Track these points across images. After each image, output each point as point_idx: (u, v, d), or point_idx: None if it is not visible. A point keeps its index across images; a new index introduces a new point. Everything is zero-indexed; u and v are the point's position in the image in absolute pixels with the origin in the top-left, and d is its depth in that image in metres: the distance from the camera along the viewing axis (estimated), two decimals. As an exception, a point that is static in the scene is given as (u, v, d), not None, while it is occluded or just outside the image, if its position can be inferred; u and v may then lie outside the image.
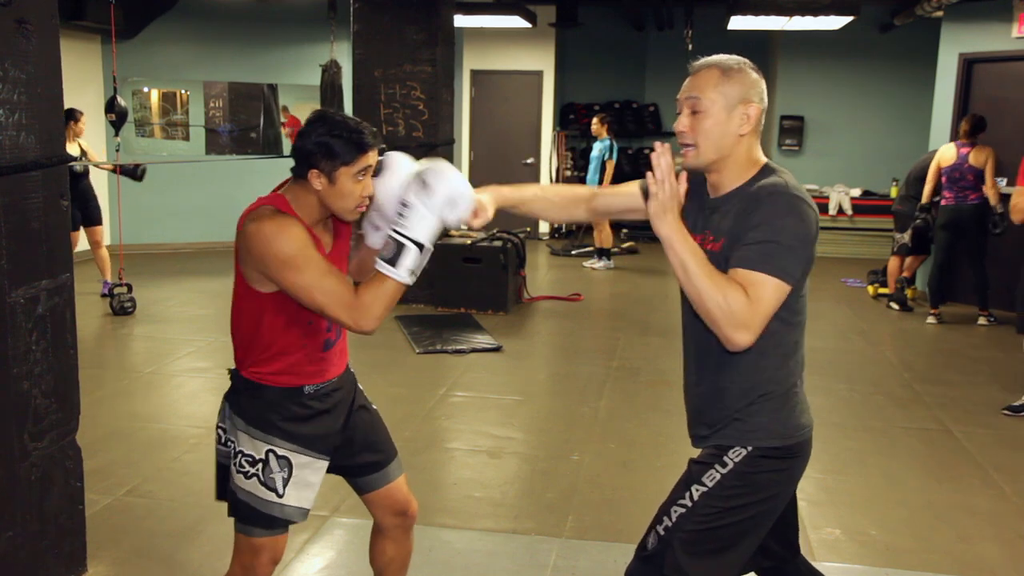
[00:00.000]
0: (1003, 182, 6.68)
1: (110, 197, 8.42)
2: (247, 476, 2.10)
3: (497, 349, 5.87)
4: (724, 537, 1.87)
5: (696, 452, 1.99)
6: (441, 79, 7.08)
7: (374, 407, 2.37)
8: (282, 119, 9.95)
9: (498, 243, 7.00)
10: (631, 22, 10.84)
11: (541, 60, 10.73)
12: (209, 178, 9.42)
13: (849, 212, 9.87)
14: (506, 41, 10.58)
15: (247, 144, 9.93)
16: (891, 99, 10.18)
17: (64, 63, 2.69)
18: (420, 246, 1.95)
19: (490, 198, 2.14)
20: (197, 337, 6.06)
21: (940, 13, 7.62)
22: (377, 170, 2.08)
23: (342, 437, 2.23)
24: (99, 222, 7.00)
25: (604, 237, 9.09)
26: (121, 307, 6.62)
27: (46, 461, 2.69)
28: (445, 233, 6.50)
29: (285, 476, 2.10)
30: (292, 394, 2.11)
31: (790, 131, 10.47)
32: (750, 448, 1.86)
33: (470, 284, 6.98)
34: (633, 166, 11.00)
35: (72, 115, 6.49)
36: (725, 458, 1.87)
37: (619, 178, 9.66)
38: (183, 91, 9.61)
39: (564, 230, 11.08)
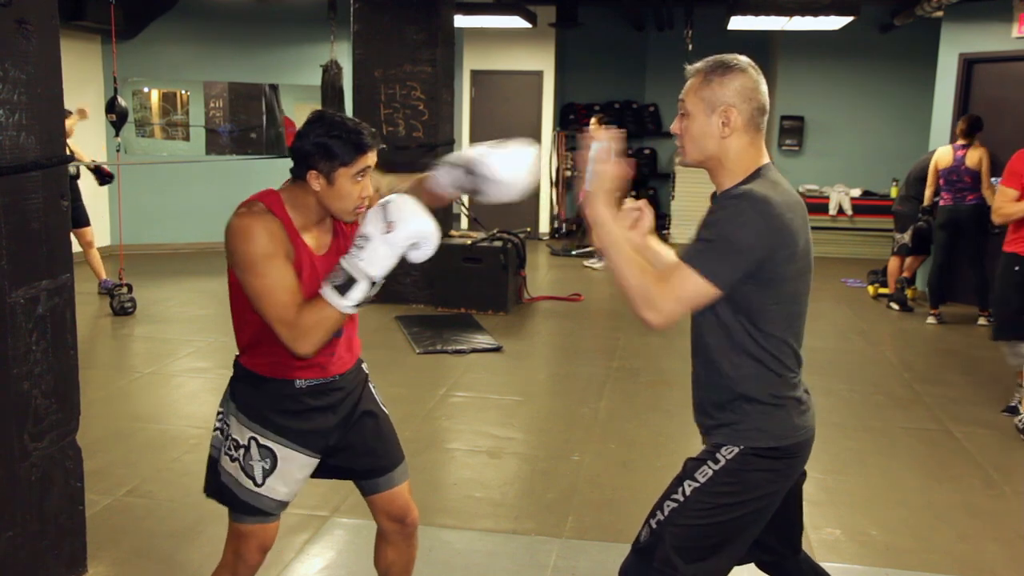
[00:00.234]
0: (998, 182, 6.68)
1: (110, 197, 8.43)
2: (231, 460, 2.13)
3: (497, 349, 5.87)
4: (715, 533, 1.89)
5: (695, 450, 2.01)
6: (441, 79, 7.08)
7: (384, 411, 2.35)
8: (279, 120, 9.96)
9: (498, 243, 7.00)
10: (631, 22, 10.84)
11: (541, 60, 10.73)
12: (209, 178, 9.42)
13: (849, 212, 9.87)
14: (506, 41, 10.59)
15: (247, 144, 9.93)
16: (891, 99, 10.18)
17: (64, 63, 2.69)
18: (371, 279, 1.95)
19: (648, 217, 2.12)
20: (197, 337, 6.06)
21: (940, 13, 7.62)
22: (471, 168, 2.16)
23: (341, 439, 2.23)
24: (87, 223, 6.98)
25: None
26: (121, 307, 6.62)
27: (46, 461, 2.69)
28: (445, 234, 6.50)
29: (266, 467, 2.11)
30: (284, 387, 2.11)
31: (790, 131, 10.47)
32: (742, 446, 1.88)
33: (470, 284, 6.98)
34: (634, 166, 10.98)
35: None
36: (718, 455, 1.89)
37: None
38: (183, 91, 9.61)
39: (564, 230, 11.08)
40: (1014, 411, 4.72)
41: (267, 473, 2.11)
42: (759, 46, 10.74)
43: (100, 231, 8.78)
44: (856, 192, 9.96)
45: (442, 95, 7.12)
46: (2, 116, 2.43)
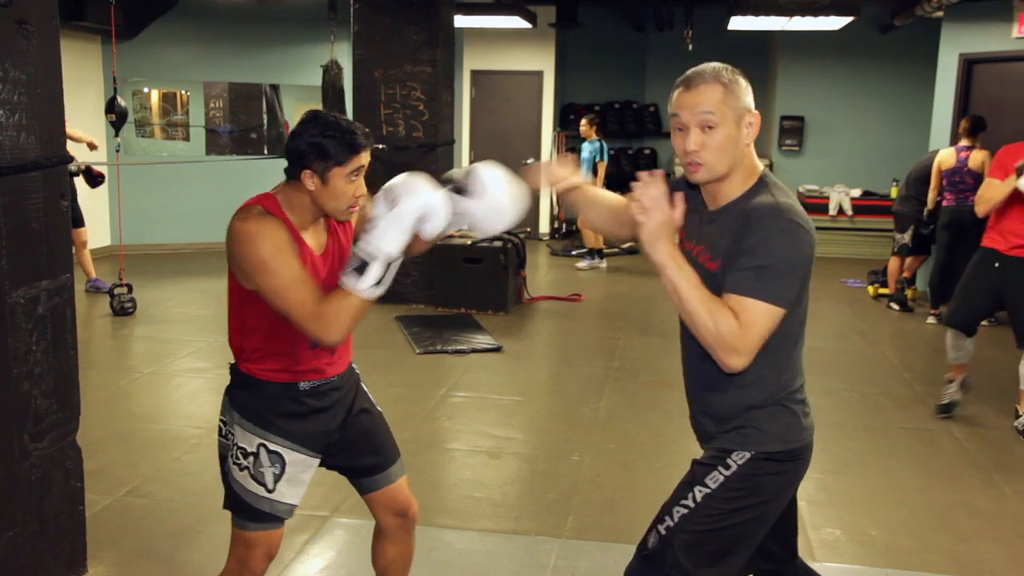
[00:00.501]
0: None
1: (110, 197, 8.42)
2: (240, 468, 2.12)
3: (497, 349, 5.87)
4: (726, 538, 1.89)
5: (698, 452, 2.01)
6: (441, 79, 7.08)
7: (378, 409, 2.36)
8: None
9: (498, 243, 7.00)
10: (631, 22, 10.84)
11: (541, 60, 10.73)
12: (209, 178, 9.41)
13: (849, 212, 9.87)
14: (506, 41, 10.58)
15: (247, 144, 9.93)
16: (891, 99, 10.18)
17: (64, 63, 2.69)
18: (385, 258, 1.91)
19: (574, 177, 2.14)
20: (197, 337, 6.06)
21: (940, 13, 7.62)
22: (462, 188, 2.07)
23: (341, 438, 2.23)
24: (81, 223, 6.97)
25: (593, 237, 9.08)
26: (121, 307, 6.62)
27: (46, 461, 2.69)
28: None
29: (276, 472, 2.11)
30: (287, 390, 2.11)
31: (790, 131, 10.47)
32: (753, 452, 1.88)
33: (470, 284, 6.98)
34: (634, 166, 11.01)
35: None
36: (728, 460, 1.89)
37: (613, 178, 9.68)
38: (183, 91, 9.61)
39: (564, 230, 11.08)
40: (947, 409, 4.65)
41: (277, 478, 2.11)
42: (759, 46, 10.75)
43: (100, 231, 8.80)
44: (856, 192, 9.95)
45: (442, 95, 7.12)
46: (2, 116, 2.43)
